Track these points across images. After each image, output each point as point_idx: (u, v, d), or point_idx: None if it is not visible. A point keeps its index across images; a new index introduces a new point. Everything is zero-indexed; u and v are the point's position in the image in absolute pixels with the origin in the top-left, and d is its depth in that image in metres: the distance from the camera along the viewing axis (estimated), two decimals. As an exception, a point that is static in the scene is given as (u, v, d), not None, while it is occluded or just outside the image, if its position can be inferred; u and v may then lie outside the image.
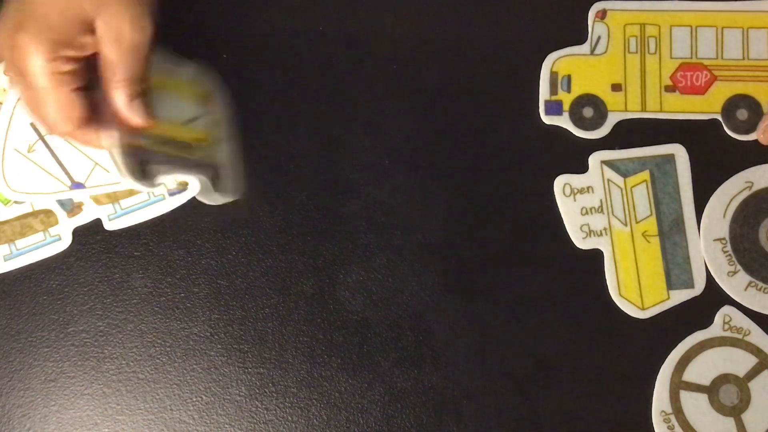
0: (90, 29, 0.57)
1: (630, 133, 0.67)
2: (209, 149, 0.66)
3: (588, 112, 0.67)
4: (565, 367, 0.66)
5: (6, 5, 0.58)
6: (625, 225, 0.66)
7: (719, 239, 0.66)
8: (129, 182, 0.62)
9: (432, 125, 0.67)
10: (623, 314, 0.66)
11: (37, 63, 0.56)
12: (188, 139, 0.65)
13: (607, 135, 0.67)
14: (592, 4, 0.68)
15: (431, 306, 0.66)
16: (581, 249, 0.66)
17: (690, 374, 0.65)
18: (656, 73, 0.67)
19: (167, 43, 0.68)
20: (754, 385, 0.65)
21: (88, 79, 0.59)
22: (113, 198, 0.67)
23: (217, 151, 0.66)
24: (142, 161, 0.62)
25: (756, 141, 0.67)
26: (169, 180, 0.67)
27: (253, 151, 0.67)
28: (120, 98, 0.59)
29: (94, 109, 0.59)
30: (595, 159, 0.67)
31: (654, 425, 0.65)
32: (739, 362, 0.65)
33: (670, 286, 0.66)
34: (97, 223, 0.67)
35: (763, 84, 0.67)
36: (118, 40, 0.58)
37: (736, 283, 0.66)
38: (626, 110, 0.67)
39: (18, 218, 0.67)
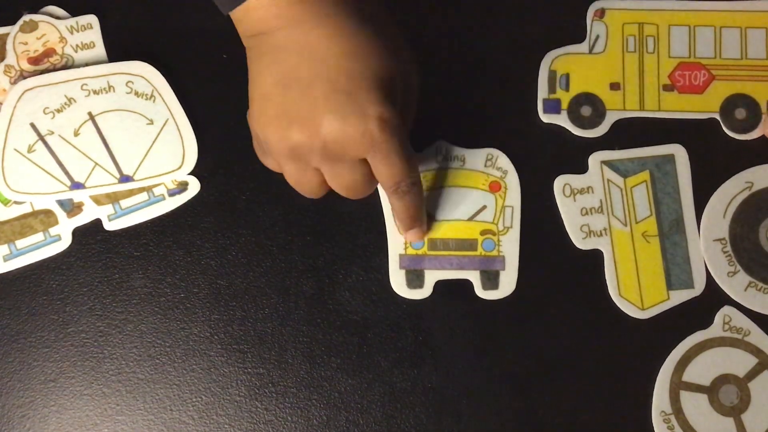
0: None
1: (628, 132, 0.67)
2: (496, 241, 0.64)
3: (586, 110, 0.67)
4: (565, 367, 0.66)
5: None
6: (625, 225, 0.66)
7: (719, 239, 0.66)
8: (400, 291, 0.65)
9: (431, 124, 0.67)
10: (623, 314, 0.66)
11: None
12: (472, 235, 0.64)
13: (605, 134, 0.67)
14: (590, 3, 0.68)
15: (431, 306, 0.66)
16: (581, 249, 0.66)
17: (690, 374, 0.65)
18: (654, 72, 0.67)
19: (166, 43, 0.68)
20: (754, 385, 0.65)
21: None
22: (113, 198, 0.67)
23: (505, 241, 0.65)
24: (416, 271, 0.63)
25: (755, 141, 0.67)
26: None
27: (254, 152, 0.67)
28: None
29: None
30: (594, 159, 0.67)
31: (654, 425, 0.65)
32: (739, 362, 0.65)
33: (670, 286, 0.66)
34: (97, 223, 0.67)
35: (762, 83, 0.67)
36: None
37: (736, 284, 0.66)
38: (624, 109, 0.67)
39: (18, 218, 0.67)
